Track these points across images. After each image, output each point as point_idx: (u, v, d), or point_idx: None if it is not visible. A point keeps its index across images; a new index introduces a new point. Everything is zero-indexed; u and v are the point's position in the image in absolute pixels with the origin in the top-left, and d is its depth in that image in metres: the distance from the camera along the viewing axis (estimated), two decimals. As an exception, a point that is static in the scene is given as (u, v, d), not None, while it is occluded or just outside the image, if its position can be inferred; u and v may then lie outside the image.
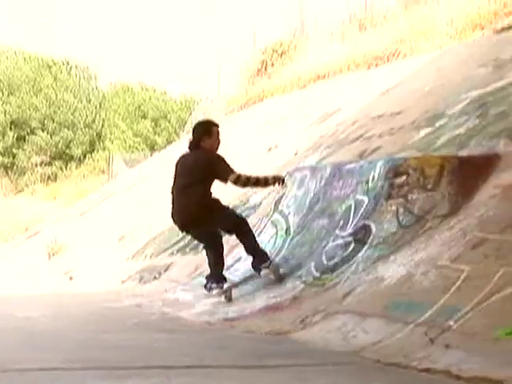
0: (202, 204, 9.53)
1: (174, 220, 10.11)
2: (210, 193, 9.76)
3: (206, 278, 9.98)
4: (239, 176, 9.47)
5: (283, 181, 9.94)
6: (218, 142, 9.87)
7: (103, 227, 21.22)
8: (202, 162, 9.58)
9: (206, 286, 9.89)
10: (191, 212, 9.60)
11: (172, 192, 9.92)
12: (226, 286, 9.70)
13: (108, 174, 40.34)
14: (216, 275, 9.84)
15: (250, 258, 9.91)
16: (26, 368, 5.56)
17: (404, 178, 9.15)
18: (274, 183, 9.80)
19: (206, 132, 9.85)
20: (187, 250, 13.57)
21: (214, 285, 9.73)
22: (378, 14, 24.50)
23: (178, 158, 10.07)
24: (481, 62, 14.27)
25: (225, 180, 9.55)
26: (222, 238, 10.08)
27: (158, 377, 5.32)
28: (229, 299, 9.49)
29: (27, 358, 6.06)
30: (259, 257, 9.65)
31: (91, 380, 5.19)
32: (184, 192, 9.63)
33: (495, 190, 8.10)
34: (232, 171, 9.47)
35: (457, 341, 5.59)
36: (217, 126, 10.03)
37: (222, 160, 9.56)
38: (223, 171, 9.48)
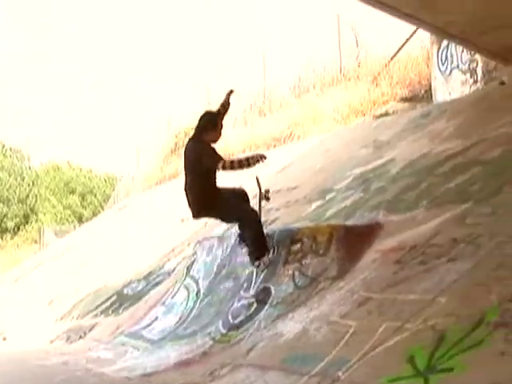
0: (204, 200, 9.16)
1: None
2: (213, 185, 9.27)
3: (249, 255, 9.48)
4: (224, 163, 8.79)
5: (263, 157, 8.85)
6: (219, 135, 9.42)
7: (34, 292, 20.75)
8: (198, 157, 9.04)
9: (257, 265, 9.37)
10: (198, 208, 9.30)
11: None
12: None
13: (39, 244, 39.59)
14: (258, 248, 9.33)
15: (167, 318, 9.78)
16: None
17: (299, 245, 9.19)
18: (255, 162, 8.79)
19: (212, 124, 9.31)
20: (110, 311, 13.34)
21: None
22: (274, 102, 24.86)
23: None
24: (363, 143, 14.52)
25: (214, 169, 8.99)
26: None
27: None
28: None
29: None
30: (256, 251, 9.32)
31: None
32: (189, 188, 9.28)
33: (376, 254, 8.18)
34: (219, 159, 8.90)
35: (346, 389, 5.56)
36: (222, 118, 9.45)
37: (207, 150, 9.04)
38: (209, 161, 8.94)
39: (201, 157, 8.98)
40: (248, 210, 9.55)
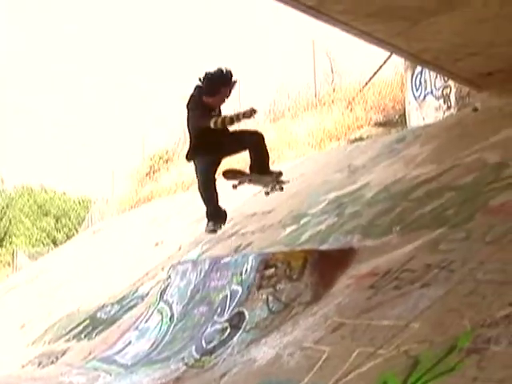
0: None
1: None
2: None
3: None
4: (216, 120, 8.39)
5: (254, 111, 8.33)
6: (223, 99, 8.89)
7: (6, 316, 20.53)
8: (192, 117, 8.89)
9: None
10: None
11: None
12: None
13: (12, 267, 39.25)
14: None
15: (140, 343, 9.73)
16: None
17: (273, 269, 9.18)
18: (247, 117, 8.36)
19: (209, 92, 8.75)
20: (82, 336, 13.23)
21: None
22: (249, 126, 24.85)
23: None
24: (337, 167, 14.59)
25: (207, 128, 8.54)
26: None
27: None
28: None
29: None
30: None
31: None
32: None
33: (350, 280, 8.19)
34: (210, 118, 8.47)
35: (319, 415, 5.55)
36: (229, 84, 8.75)
37: (200, 111, 8.71)
38: (201, 122, 8.66)
39: (194, 118, 8.83)
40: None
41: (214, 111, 8.72)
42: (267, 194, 9.92)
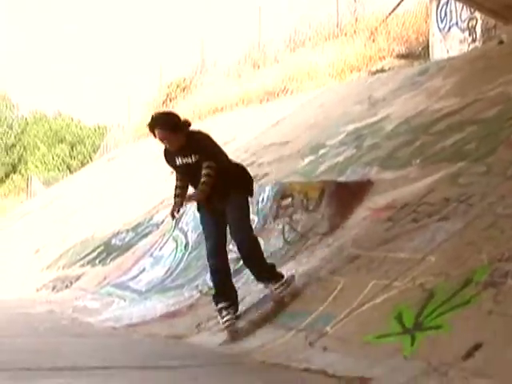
0: None
1: None
2: None
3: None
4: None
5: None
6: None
7: (21, 241, 20.77)
8: None
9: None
10: None
11: None
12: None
13: (27, 193, 39.51)
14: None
15: (154, 270, 9.80)
16: None
17: (289, 200, 9.21)
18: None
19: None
20: (97, 261, 13.39)
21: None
22: (269, 55, 24.69)
23: None
24: (357, 99, 14.48)
25: None
26: None
27: (64, 378, 5.20)
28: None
29: None
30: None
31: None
32: None
33: (367, 212, 8.21)
34: None
35: (333, 344, 5.61)
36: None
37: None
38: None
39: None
40: None
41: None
42: None
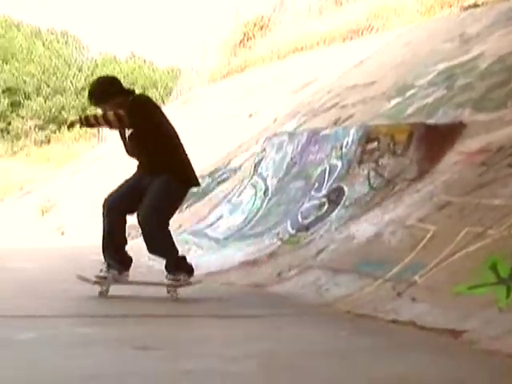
0: None
1: None
2: None
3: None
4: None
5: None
6: None
7: (92, 186, 21.13)
8: None
9: None
10: None
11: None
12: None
13: (98, 138, 40.09)
14: None
15: (232, 217, 9.90)
16: (17, 315, 5.61)
17: (375, 143, 9.16)
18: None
19: None
20: (172, 208, 13.54)
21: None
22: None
23: None
24: (448, 36, 14.24)
25: None
26: None
27: (139, 324, 5.35)
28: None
29: (18, 305, 6.11)
30: None
31: (65, 326, 5.25)
32: None
33: (459, 156, 8.12)
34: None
35: (422, 295, 5.61)
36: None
37: None
38: None
39: None
40: None
41: None
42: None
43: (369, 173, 8.87)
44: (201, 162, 15.58)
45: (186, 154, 7.11)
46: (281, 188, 10.24)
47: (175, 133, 7.11)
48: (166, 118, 7.10)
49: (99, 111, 7.09)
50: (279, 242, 8.76)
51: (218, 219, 10.87)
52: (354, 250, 7.34)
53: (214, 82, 27.95)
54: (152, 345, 4.49)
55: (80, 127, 7.95)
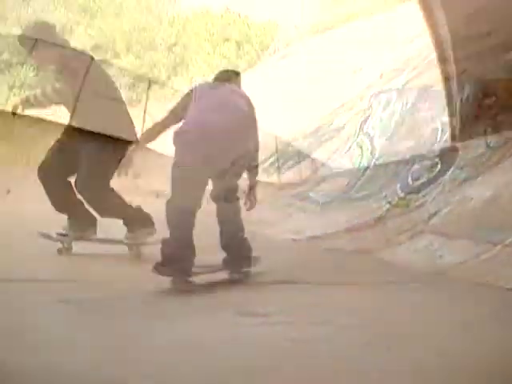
0: None
1: None
2: None
3: None
4: None
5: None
6: None
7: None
8: None
9: None
10: None
11: None
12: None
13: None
14: None
15: (337, 179, 9.89)
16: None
17: (493, 99, 8.99)
18: None
19: None
20: (271, 170, 13.58)
21: None
22: None
23: None
24: None
25: None
26: None
27: (246, 290, 5.41)
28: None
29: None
30: None
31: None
32: None
33: None
34: None
35: (545, 261, 5.53)
36: None
37: None
38: None
39: None
40: None
41: None
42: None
43: (485, 131, 8.72)
44: (301, 122, 15.59)
45: None
46: (388, 148, 10.17)
47: None
48: None
49: None
50: (388, 206, 8.72)
51: (321, 181, 10.87)
52: (470, 214, 7.24)
53: (314, 36, 27.81)
54: (263, 311, 4.54)
55: None
